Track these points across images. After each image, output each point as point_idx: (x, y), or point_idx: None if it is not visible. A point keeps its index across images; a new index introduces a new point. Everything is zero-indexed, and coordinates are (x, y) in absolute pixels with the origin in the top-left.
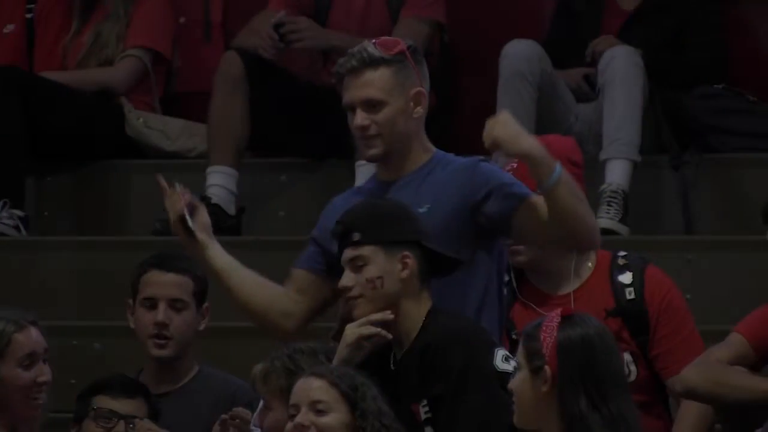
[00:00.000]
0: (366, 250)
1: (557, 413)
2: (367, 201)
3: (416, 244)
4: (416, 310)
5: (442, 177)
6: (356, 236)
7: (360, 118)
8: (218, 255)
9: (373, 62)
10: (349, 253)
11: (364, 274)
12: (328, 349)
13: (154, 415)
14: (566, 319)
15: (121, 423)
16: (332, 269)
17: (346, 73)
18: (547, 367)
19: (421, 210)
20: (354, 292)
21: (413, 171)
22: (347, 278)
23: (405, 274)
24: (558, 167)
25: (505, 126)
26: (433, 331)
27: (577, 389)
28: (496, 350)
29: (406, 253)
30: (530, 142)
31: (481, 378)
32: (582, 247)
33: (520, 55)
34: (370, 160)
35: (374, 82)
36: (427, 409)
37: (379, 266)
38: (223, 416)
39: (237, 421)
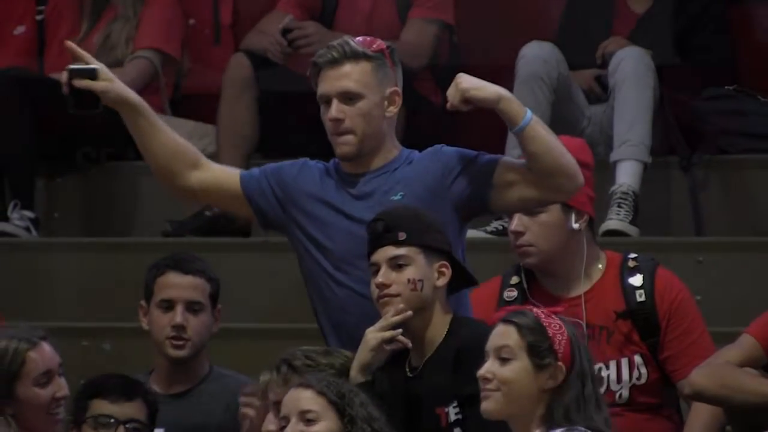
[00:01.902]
0: (410, 251)
1: (546, 407)
2: (406, 206)
3: (448, 256)
4: (441, 318)
5: (409, 169)
6: (402, 235)
7: (335, 109)
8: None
9: (355, 56)
10: (390, 251)
11: (405, 275)
12: (334, 349)
13: (153, 414)
14: (561, 317)
15: (121, 428)
16: (251, 202)
17: (324, 65)
18: (561, 364)
19: (395, 198)
20: (392, 291)
21: (381, 166)
22: (385, 276)
23: (441, 282)
24: (527, 109)
25: (468, 78)
26: (465, 335)
27: (579, 385)
28: None
29: (444, 262)
30: (497, 86)
31: None
32: (565, 185)
33: (538, 57)
34: (341, 158)
35: (353, 74)
36: (457, 410)
37: (420, 269)
38: (241, 399)
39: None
